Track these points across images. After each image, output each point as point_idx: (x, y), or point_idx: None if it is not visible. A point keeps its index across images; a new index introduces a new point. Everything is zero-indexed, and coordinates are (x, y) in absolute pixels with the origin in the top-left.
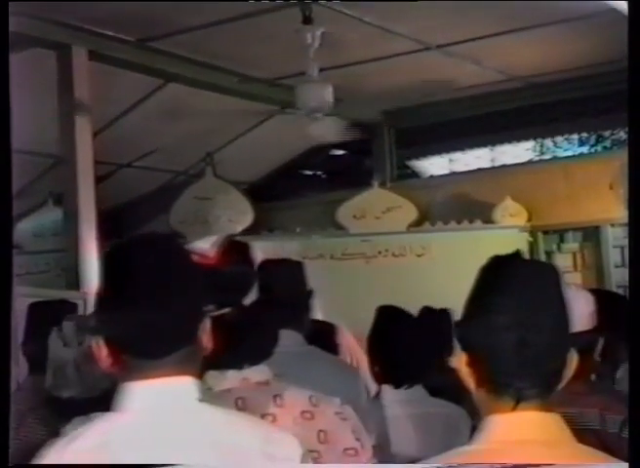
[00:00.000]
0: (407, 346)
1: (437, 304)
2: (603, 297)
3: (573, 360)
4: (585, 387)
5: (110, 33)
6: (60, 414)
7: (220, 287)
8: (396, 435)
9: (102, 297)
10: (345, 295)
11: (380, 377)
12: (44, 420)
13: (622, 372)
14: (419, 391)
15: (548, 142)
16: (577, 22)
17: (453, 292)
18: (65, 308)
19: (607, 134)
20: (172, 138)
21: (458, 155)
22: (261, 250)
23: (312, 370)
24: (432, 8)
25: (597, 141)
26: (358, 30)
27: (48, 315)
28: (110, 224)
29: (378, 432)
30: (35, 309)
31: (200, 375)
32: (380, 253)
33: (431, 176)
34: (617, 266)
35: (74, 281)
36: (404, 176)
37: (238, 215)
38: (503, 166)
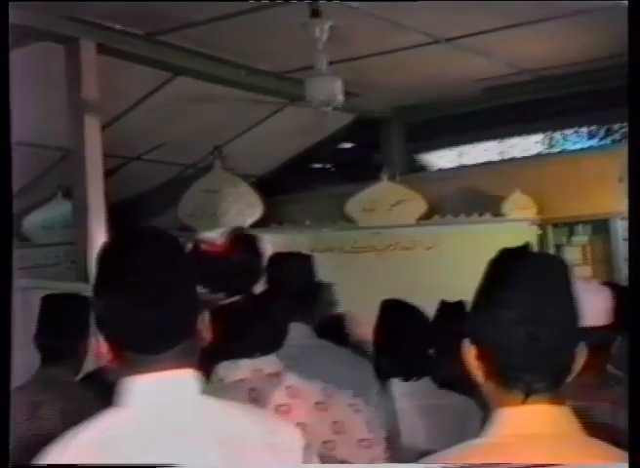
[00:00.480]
0: (414, 339)
1: (446, 297)
2: (621, 293)
3: (582, 354)
4: (597, 381)
5: (119, 27)
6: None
7: (229, 274)
8: (406, 427)
9: (98, 294)
10: (355, 288)
11: (389, 371)
12: (59, 412)
13: None
14: (427, 383)
15: (558, 135)
16: (586, 16)
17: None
18: (78, 302)
19: (616, 127)
20: (180, 132)
21: (467, 148)
22: (271, 243)
23: (321, 363)
24: (441, 1)
25: (606, 134)
26: (367, 23)
27: (60, 308)
28: (119, 217)
29: (388, 424)
30: (48, 302)
31: (200, 367)
32: (389, 246)
33: (440, 170)
34: (627, 259)
35: (84, 273)
36: (413, 170)
37: (247, 209)
38: (513, 159)
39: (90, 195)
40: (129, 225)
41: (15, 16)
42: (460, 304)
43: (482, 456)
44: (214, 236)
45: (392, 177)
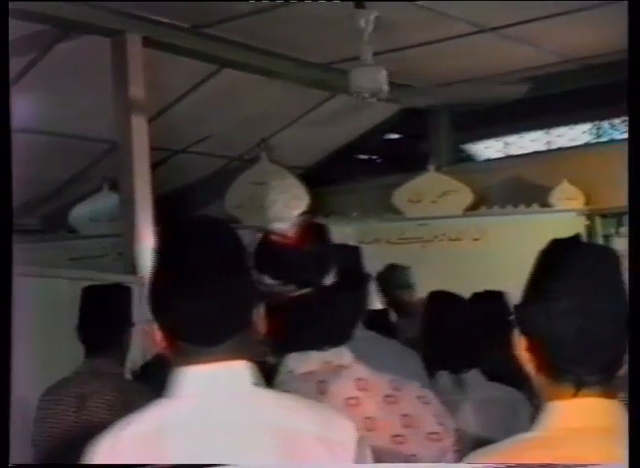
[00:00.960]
0: (462, 331)
1: (493, 288)
2: None
3: None
4: None
5: (164, 20)
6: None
7: (300, 266)
8: (455, 420)
9: (154, 282)
10: None
11: (437, 363)
12: (107, 404)
13: None
14: (476, 375)
15: (605, 125)
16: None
17: (509, 277)
18: (119, 292)
19: None
20: (226, 124)
21: (513, 138)
22: None
23: (375, 354)
24: None
25: None
26: (411, 13)
27: (102, 299)
28: (166, 210)
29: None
30: (89, 293)
31: (254, 360)
32: (436, 237)
33: (487, 160)
34: None
35: (131, 265)
36: (460, 160)
37: (293, 200)
38: (560, 149)
39: (136, 187)
40: (176, 218)
41: (62, 10)
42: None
43: (533, 450)
44: (284, 227)
45: (439, 168)
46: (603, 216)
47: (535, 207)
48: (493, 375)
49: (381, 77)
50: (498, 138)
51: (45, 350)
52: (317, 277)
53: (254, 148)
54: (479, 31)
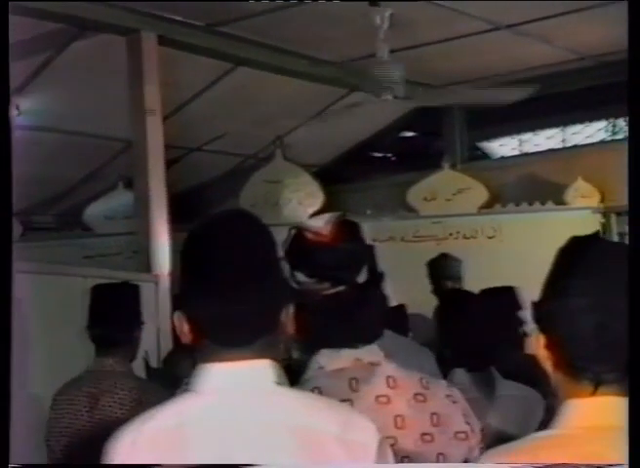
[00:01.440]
0: (478, 329)
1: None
2: None
3: None
4: None
5: (179, 18)
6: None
7: (335, 264)
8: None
9: (184, 277)
10: (416, 278)
11: (452, 360)
12: (120, 402)
13: None
14: (491, 373)
15: (621, 122)
16: None
17: (524, 274)
18: (128, 290)
19: None
20: (241, 122)
21: (528, 136)
22: None
23: (391, 352)
24: None
25: None
26: (427, 11)
27: (111, 297)
28: (181, 208)
29: None
30: (98, 292)
31: (279, 360)
32: (450, 235)
33: (502, 158)
34: None
35: (145, 263)
36: (474, 158)
37: (308, 198)
38: (575, 146)
39: (151, 186)
40: (190, 216)
41: (77, 9)
42: (517, 291)
43: (551, 449)
44: (318, 224)
45: (453, 166)
46: (618, 214)
47: (550, 204)
48: (509, 373)
49: (397, 75)
50: (513, 136)
51: (60, 348)
52: (352, 275)
53: (268, 146)
54: (494, 29)
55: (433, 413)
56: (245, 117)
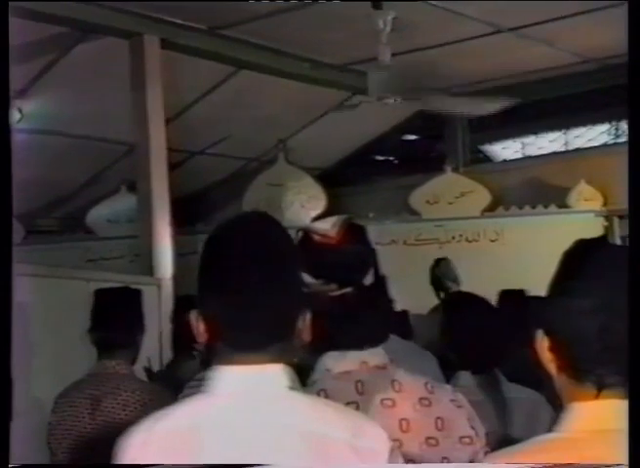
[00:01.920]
0: (482, 331)
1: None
2: None
3: None
4: None
5: (182, 22)
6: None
7: (342, 265)
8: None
9: (203, 279)
10: (418, 281)
11: (457, 363)
12: (123, 404)
13: None
14: (496, 376)
15: (624, 125)
16: None
17: (527, 277)
18: (130, 294)
19: None
20: (244, 125)
21: (531, 139)
22: None
23: (394, 355)
24: None
25: None
26: (429, 14)
27: (113, 302)
28: (183, 211)
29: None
30: (100, 295)
31: (293, 364)
32: (453, 238)
33: (505, 161)
34: None
35: (148, 267)
36: (477, 161)
37: (311, 201)
38: (578, 149)
39: (154, 189)
40: (193, 219)
41: (81, 12)
42: (522, 293)
43: (554, 451)
44: (324, 226)
45: (456, 169)
46: (621, 217)
47: (552, 208)
48: (513, 376)
49: (399, 78)
50: (515, 139)
51: (62, 351)
52: (358, 276)
53: (271, 149)
54: (497, 32)
55: (438, 418)
56: (247, 120)
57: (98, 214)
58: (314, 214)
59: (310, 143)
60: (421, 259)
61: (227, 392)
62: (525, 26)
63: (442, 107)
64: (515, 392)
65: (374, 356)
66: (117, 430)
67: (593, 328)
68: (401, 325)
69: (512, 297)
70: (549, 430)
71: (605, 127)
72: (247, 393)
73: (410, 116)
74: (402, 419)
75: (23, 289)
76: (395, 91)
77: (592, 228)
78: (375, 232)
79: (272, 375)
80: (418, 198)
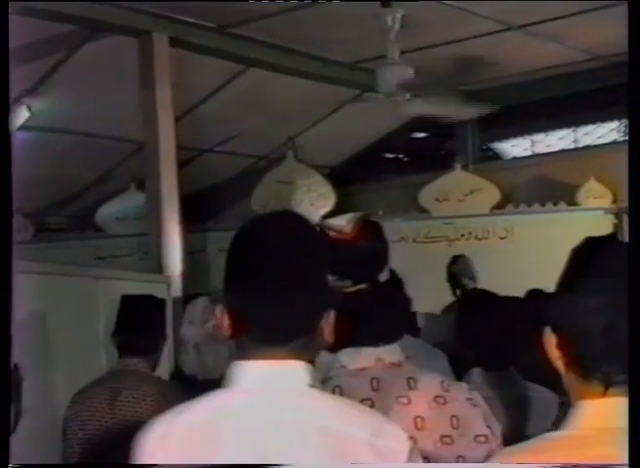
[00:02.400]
0: (498, 328)
1: (521, 286)
2: None
3: None
4: None
5: (191, 20)
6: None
7: (357, 261)
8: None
9: (230, 274)
10: (428, 279)
11: (472, 360)
12: (143, 395)
13: None
14: (510, 374)
15: None
16: None
17: (536, 275)
18: (155, 303)
19: None
20: (253, 123)
21: (540, 136)
22: None
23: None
24: None
25: None
26: (438, 12)
27: (138, 308)
28: (193, 209)
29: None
30: (126, 302)
31: (313, 361)
32: (462, 235)
33: (514, 158)
34: None
35: (157, 264)
36: (486, 159)
37: (320, 199)
38: (587, 147)
39: (163, 187)
40: (202, 217)
41: (90, 10)
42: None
43: (561, 449)
44: (340, 222)
45: (465, 167)
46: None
47: (562, 205)
48: (527, 375)
49: (408, 76)
50: (525, 137)
51: (71, 348)
52: (373, 273)
53: (280, 147)
54: (506, 29)
55: (453, 416)
56: (257, 118)
57: (107, 212)
58: (323, 211)
59: (319, 141)
60: (431, 257)
61: (248, 387)
62: (535, 24)
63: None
64: (529, 390)
65: (389, 353)
66: (136, 422)
67: (599, 325)
68: (409, 323)
69: (531, 296)
70: (558, 428)
71: (614, 124)
72: (267, 389)
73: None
74: (417, 417)
75: (32, 286)
76: (404, 88)
77: (602, 226)
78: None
79: (293, 372)
80: (427, 196)
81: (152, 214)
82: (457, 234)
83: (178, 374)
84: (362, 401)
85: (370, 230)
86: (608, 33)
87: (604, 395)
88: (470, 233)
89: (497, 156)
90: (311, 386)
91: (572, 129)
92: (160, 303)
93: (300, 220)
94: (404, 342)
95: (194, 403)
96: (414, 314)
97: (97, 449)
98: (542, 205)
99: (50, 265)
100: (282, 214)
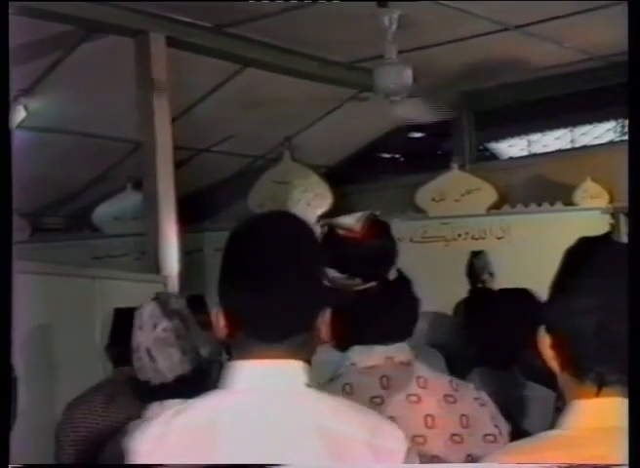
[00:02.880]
0: (502, 328)
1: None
2: None
3: None
4: None
5: (188, 20)
6: (138, 398)
7: (366, 259)
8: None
9: (224, 271)
10: (425, 279)
11: (475, 359)
12: (123, 406)
13: None
14: (513, 374)
15: None
16: None
17: (533, 275)
18: None
19: None
20: (250, 123)
21: (537, 136)
22: None
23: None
24: None
25: None
26: (436, 12)
27: (131, 322)
28: (190, 209)
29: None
30: (121, 315)
31: (309, 361)
32: (459, 235)
33: (511, 158)
34: None
35: (154, 264)
36: (483, 159)
37: (317, 199)
38: (584, 147)
39: (160, 187)
40: (199, 217)
41: (86, 10)
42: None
43: (555, 449)
44: (349, 221)
45: (462, 167)
46: (627, 215)
47: (558, 205)
48: (530, 375)
49: (406, 76)
50: (521, 137)
51: (67, 348)
52: (382, 271)
53: (277, 147)
54: (503, 29)
55: (462, 415)
56: (253, 118)
57: (103, 212)
58: (320, 211)
59: (316, 141)
60: (428, 257)
61: (245, 387)
62: (531, 24)
63: (447, 105)
64: (531, 390)
65: (399, 352)
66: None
67: (593, 325)
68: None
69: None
70: (552, 427)
71: (611, 124)
72: (264, 389)
73: None
74: (427, 415)
75: (29, 286)
76: (401, 88)
77: (598, 226)
78: None
79: (290, 371)
80: (424, 196)
81: (149, 213)
82: (453, 234)
83: (131, 380)
84: (372, 398)
85: (379, 229)
86: (605, 33)
87: (598, 395)
88: (467, 233)
89: (493, 156)
90: (308, 386)
91: (569, 129)
92: None
93: (295, 219)
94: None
95: (191, 403)
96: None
97: (89, 451)
98: (539, 205)
99: (46, 265)
100: (276, 213)
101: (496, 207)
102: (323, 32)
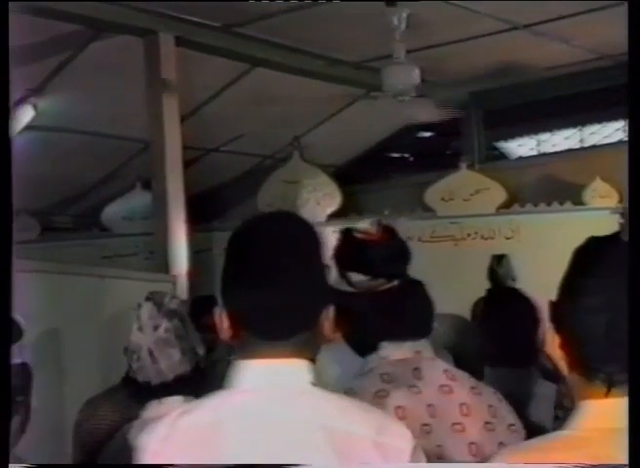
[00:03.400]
0: (522, 327)
1: (526, 286)
2: None
3: None
4: None
5: (197, 19)
6: (136, 399)
7: (387, 259)
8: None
9: (227, 272)
10: (433, 278)
11: (494, 358)
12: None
13: None
14: (530, 372)
15: None
16: None
17: (542, 275)
18: None
19: None
20: (259, 123)
21: (546, 136)
22: None
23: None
24: None
25: None
26: (444, 11)
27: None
28: (198, 208)
29: None
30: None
31: (314, 359)
32: (468, 235)
33: (520, 158)
34: None
35: (163, 264)
36: (492, 158)
37: (326, 199)
38: (593, 146)
39: (169, 186)
40: (208, 216)
41: (95, 10)
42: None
43: (564, 449)
44: (365, 226)
45: (471, 166)
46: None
47: (568, 205)
48: (546, 373)
49: (414, 75)
50: (531, 136)
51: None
52: (403, 269)
53: (286, 147)
54: (512, 28)
55: (490, 406)
56: (262, 118)
57: (113, 212)
58: (329, 211)
59: (325, 141)
60: (436, 257)
61: (250, 387)
62: (540, 23)
63: (456, 105)
64: (547, 389)
65: (424, 347)
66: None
67: (602, 325)
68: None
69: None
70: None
71: (620, 124)
72: (269, 388)
73: None
74: (462, 404)
75: (38, 285)
76: (410, 88)
77: (608, 225)
78: None
79: (295, 370)
80: (433, 195)
81: (158, 213)
82: (462, 234)
83: (130, 381)
84: (409, 387)
85: (390, 231)
86: (614, 32)
87: (607, 395)
88: (476, 233)
89: (503, 156)
90: (314, 384)
91: (578, 128)
92: None
93: (296, 218)
94: None
95: (197, 404)
96: None
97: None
98: (549, 204)
99: (55, 265)
100: (277, 213)
101: (505, 206)
102: (331, 32)
